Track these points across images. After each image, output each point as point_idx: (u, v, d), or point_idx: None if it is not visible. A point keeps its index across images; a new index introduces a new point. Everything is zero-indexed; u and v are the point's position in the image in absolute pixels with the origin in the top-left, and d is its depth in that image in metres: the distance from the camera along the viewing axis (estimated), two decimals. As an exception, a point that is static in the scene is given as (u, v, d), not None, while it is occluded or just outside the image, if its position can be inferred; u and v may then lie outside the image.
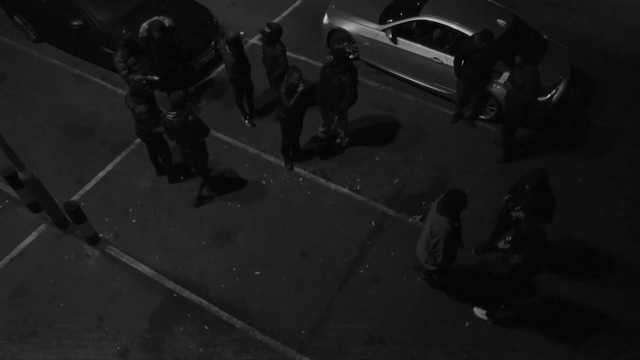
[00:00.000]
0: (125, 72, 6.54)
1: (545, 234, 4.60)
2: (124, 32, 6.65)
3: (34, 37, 8.76)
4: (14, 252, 6.32)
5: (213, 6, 9.32)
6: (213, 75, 8.40)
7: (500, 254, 4.98)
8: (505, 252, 4.91)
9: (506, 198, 5.32)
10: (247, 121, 7.61)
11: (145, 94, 5.93)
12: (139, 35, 6.90)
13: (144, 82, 6.21)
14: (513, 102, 6.40)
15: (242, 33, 7.06)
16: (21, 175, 5.81)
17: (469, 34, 7.14)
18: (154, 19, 6.95)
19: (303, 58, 8.49)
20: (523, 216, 5.21)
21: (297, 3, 9.65)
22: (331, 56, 6.21)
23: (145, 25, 6.88)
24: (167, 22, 6.99)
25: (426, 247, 5.13)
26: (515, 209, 5.25)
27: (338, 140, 7.26)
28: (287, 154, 7.01)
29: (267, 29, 6.71)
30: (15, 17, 8.67)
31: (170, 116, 5.77)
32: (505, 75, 6.90)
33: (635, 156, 7.29)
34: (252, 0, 9.70)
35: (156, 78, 6.82)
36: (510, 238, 4.95)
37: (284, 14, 9.41)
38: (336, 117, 6.85)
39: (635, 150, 7.36)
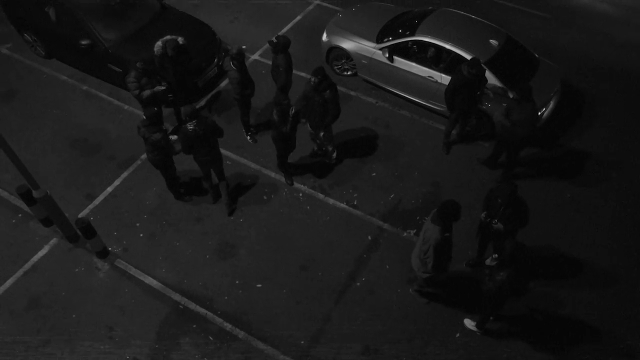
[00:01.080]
0: (137, 91, 6.85)
1: (528, 252, 4.93)
2: (141, 58, 6.99)
3: (43, 53, 9.07)
4: (28, 265, 6.65)
5: (216, 22, 9.65)
6: (215, 91, 8.70)
7: (487, 271, 5.31)
8: (492, 269, 5.23)
9: (483, 215, 5.67)
10: (249, 137, 7.91)
11: (161, 121, 6.24)
12: (155, 53, 7.20)
13: (154, 94, 6.69)
14: (507, 134, 6.67)
15: (244, 47, 7.31)
16: (35, 194, 6.12)
17: (463, 54, 7.44)
18: (168, 37, 7.23)
19: (303, 74, 8.78)
20: (502, 227, 5.57)
21: (298, 18, 9.94)
22: (315, 78, 6.46)
23: (159, 43, 7.17)
24: (180, 40, 7.31)
25: (419, 254, 5.48)
26: (494, 222, 5.60)
27: (327, 161, 7.54)
28: (285, 169, 7.31)
29: (274, 39, 7.09)
30: (25, 35, 8.99)
31: (192, 126, 6.08)
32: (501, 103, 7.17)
33: (622, 172, 7.58)
34: (253, 16, 10.01)
35: (163, 87, 7.10)
36: (496, 255, 5.28)
37: (285, 29, 9.71)
38: (321, 134, 7.09)
39: (622, 166, 7.65)
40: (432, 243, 5.15)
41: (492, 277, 5.16)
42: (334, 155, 7.54)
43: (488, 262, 5.31)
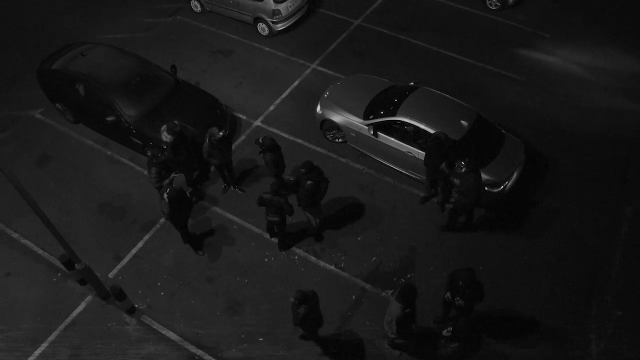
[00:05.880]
0: (158, 185, 8.08)
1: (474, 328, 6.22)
2: (159, 155, 8.19)
3: (72, 120, 10.33)
4: (69, 320, 7.97)
5: (222, 87, 10.85)
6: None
7: (443, 341, 6.58)
8: (447, 340, 6.52)
9: (448, 296, 6.93)
10: (224, 187, 9.31)
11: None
12: (167, 142, 8.34)
13: (172, 181, 7.98)
14: (459, 202, 8.02)
15: (221, 134, 8.42)
16: (78, 267, 7.40)
17: (436, 133, 8.64)
18: (166, 126, 8.38)
19: (300, 141, 9.98)
20: (464, 304, 6.86)
21: (296, 84, 11.10)
22: (302, 169, 7.75)
23: (165, 133, 8.34)
24: (177, 123, 8.46)
25: (387, 321, 6.78)
26: (456, 300, 6.87)
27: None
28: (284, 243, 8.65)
29: (260, 140, 8.35)
30: (57, 104, 10.22)
31: (303, 311, 6.56)
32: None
33: (579, 232, 8.73)
34: (256, 82, 11.17)
35: (178, 174, 8.35)
36: (451, 329, 6.55)
37: (284, 95, 10.88)
38: (307, 212, 8.28)
39: (578, 227, 8.81)
40: (394, 317, 6.46)
41: (446, 347, 6.46)
42: (314, 229, 8.59)
43: (444, 333, 6.61)
